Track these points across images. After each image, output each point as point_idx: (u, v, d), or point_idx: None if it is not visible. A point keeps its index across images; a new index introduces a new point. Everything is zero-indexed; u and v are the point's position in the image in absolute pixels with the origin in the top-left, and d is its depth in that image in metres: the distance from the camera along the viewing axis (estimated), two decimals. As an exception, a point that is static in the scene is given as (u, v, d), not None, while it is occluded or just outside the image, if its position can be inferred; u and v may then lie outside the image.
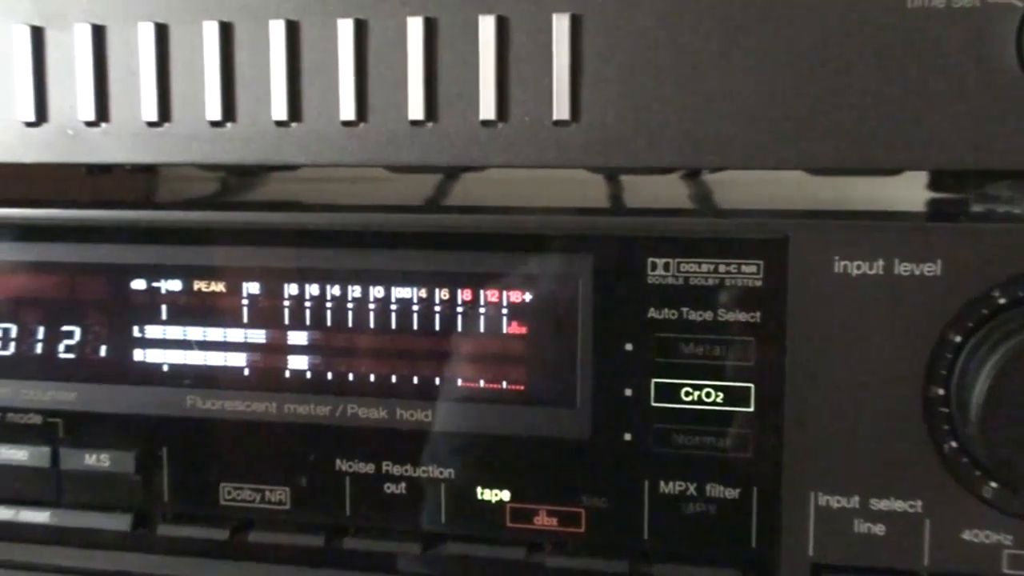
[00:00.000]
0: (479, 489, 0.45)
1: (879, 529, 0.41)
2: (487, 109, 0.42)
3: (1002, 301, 0.40)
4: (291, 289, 0.46)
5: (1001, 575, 0.41)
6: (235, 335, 0.47)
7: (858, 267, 0.41)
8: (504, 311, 0.45)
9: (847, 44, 0.40)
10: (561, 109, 0.42)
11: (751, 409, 0.42)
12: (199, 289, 0.47)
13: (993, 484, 0.40)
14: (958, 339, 0.40)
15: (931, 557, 0.41)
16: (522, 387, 0.45)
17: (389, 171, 0.49)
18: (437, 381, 0.45)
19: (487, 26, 0.42)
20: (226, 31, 0.44)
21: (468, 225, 0.45)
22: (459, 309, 0.45)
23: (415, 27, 0.42)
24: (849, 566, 0.42)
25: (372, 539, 0.46)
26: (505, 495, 0.45)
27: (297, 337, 0.46)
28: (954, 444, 0.40)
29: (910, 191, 0.53)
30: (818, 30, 0.40)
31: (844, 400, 0.41)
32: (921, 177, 0.54)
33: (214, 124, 0.44)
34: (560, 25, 0.41)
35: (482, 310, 0.45)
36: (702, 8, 0.40)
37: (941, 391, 0.40)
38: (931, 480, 0.41)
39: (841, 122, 0.40)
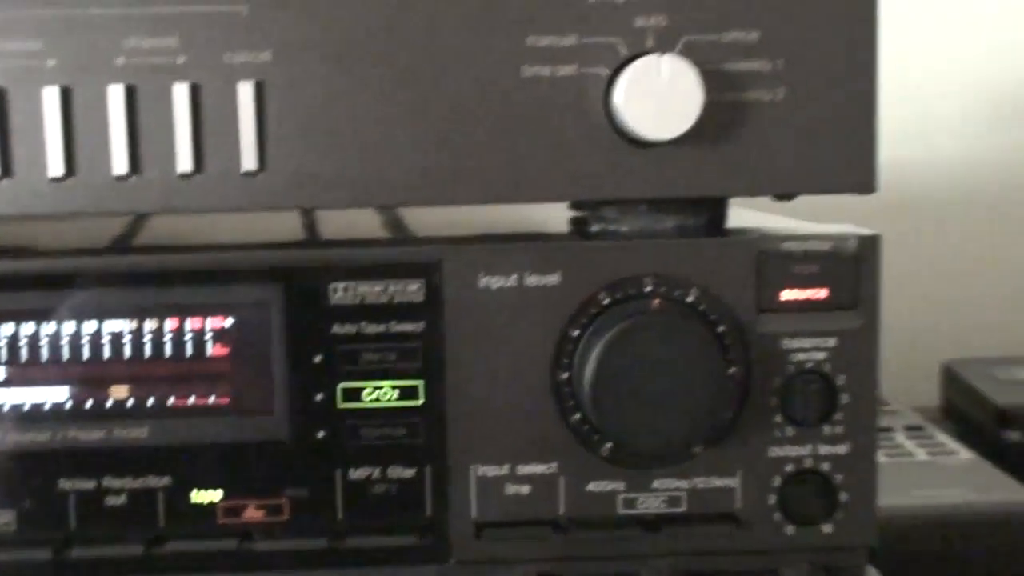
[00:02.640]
0: (193, 492, 0.52)
1: (525, 489, 0.51)
2: (184, 163, 0.49)
3: (606, 302, 0.51)
4: (5, 329, 0.51)
5: (617, 515, 0.52)
6: (-48, 375, 0.51)
7: (497, 281, 0.51)
8: (208, 336, 0.52)
9: (482, 104, 0.50)
10: (248, 161, 0.49)
11: (421, 402, 0.51)
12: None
13: (608, 444, 0.51)
14: (576, 333, 0.51)
15: (565, 506, 0.51)
16: (227, 400, 0.52)
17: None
18: (150, 402, 0.52)
19: (181, 92, 0.49)
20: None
21: (173, 263, 0.52)
22: (167, 337, 0.51)
23: (116, 94, 0.49)
24: (503, 521, 0.51)
25: (97, 547, 0.51)
26: (217, 495, 0.52)
27: (13, 372, 0.51)
28: (578, 416, 0.51)
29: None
30: (457, 93, 0.50)
31: (493, 389, 0.51)
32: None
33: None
34: (244, 91, 0.49)
35: (188, 336, 0.52)
36: (364, 76, 0.49)
37: (565, 375, 0.51)
38: (562, 446, 0.51)
39: (480, 166, 0.50)
